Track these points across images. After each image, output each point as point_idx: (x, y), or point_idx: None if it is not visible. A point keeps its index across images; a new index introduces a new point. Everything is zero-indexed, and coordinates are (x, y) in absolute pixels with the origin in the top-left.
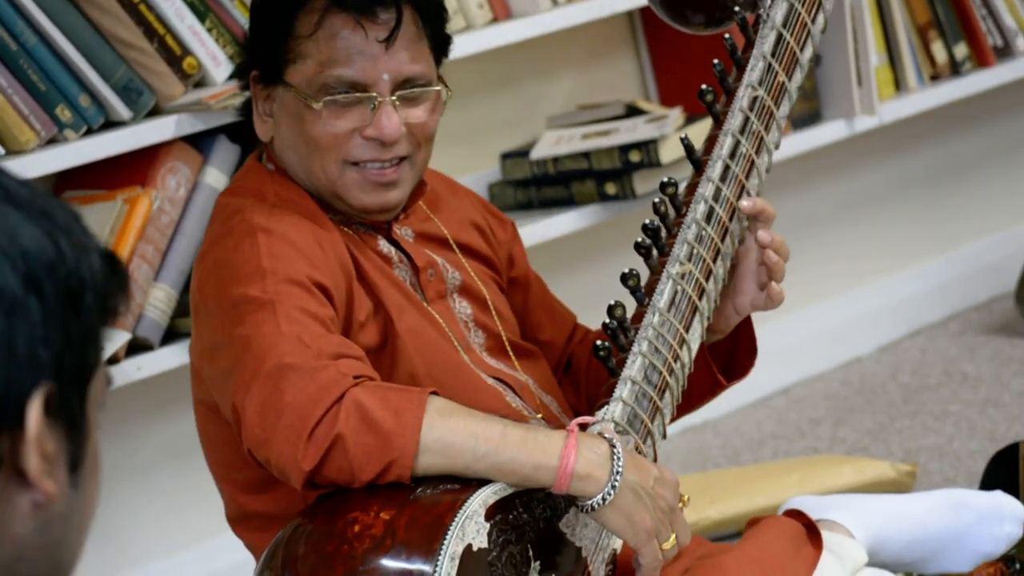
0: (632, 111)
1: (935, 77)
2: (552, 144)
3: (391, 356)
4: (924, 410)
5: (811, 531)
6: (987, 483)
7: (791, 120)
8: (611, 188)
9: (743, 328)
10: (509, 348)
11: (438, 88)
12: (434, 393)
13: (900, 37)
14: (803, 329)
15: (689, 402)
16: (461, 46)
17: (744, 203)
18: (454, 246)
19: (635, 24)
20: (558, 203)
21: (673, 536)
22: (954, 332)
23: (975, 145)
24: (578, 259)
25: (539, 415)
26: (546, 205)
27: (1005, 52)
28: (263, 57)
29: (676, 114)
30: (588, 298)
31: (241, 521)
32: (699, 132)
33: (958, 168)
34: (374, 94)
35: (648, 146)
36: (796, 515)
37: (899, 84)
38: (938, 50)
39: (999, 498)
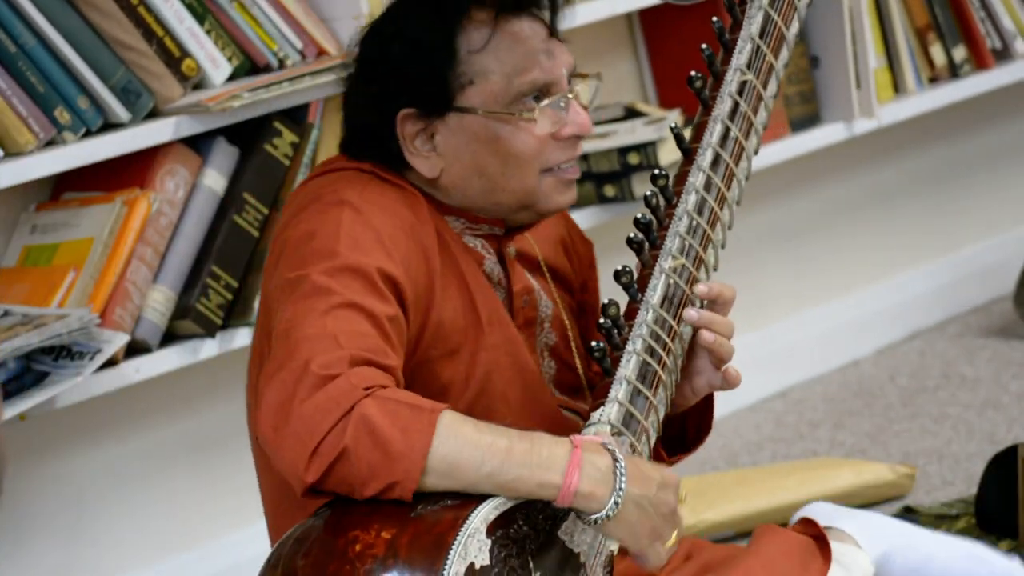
0: (631, 113)
1: (934, 79)
2: None
3: (470, 361)
4: (923, 412)
5: (820, 542)
6: (985, 485)
7: (790, 123)
8: (610, 190)
9: (706, 409)
10: (585, 384)
11: (596, 74)
12: (446, 407)
13: (899, 39)
14: (801, 332)
15: None
16: None
17: (700, 288)
18: (545, 270)
19: (634, 26)
20: None
21: (675, 533)
22: (952, 334)
23: (974, 147)
24: None
25: None
26: None
27: (1003, 54)
28: (418, 92)
29: (675, 116)
30: None
31: None
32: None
33: (957, 170)
34: (558, 93)
35: (647, 148)
36: (806, 523)
37: (898, 86)
38: (937, 52)
39: (1016, 565)
